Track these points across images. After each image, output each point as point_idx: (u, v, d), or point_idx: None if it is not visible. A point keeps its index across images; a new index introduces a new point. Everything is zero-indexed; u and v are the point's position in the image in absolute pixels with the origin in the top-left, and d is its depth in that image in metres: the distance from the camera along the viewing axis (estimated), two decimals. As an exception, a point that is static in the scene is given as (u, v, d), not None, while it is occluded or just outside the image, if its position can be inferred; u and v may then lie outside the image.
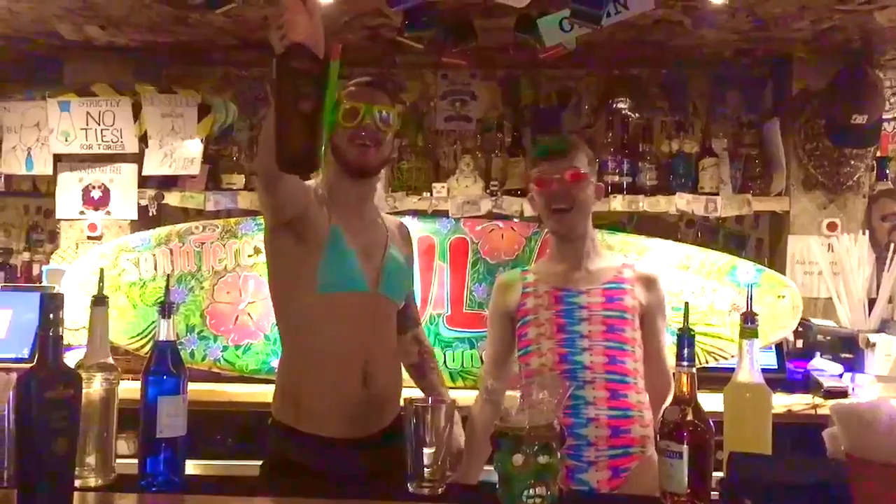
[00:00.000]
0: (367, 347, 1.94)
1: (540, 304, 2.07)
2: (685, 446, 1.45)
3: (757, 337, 1.58)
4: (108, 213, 3.52)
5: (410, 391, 2.06)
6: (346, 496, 1.49)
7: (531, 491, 1.42)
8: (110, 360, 1.62)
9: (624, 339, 2.01)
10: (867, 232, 3.36)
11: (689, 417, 1.47)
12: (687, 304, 1.66)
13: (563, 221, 2.07)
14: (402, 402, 1.98)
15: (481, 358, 3.19)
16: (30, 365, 1.34)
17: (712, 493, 1.45)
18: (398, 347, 2.14)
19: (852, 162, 3.40)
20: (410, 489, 1.57)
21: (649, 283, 2.11)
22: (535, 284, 2.11)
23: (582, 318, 2.02)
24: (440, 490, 1.57)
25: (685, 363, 1.51)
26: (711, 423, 1.50)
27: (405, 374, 2.14)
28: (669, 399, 1.57)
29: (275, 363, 3.17)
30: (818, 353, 3.16)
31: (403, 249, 2.13)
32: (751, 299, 1.64)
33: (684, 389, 1.50)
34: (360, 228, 2.00)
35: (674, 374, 1.54)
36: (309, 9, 1.44)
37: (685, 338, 1.52)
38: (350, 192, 2.01)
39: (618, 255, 2.22)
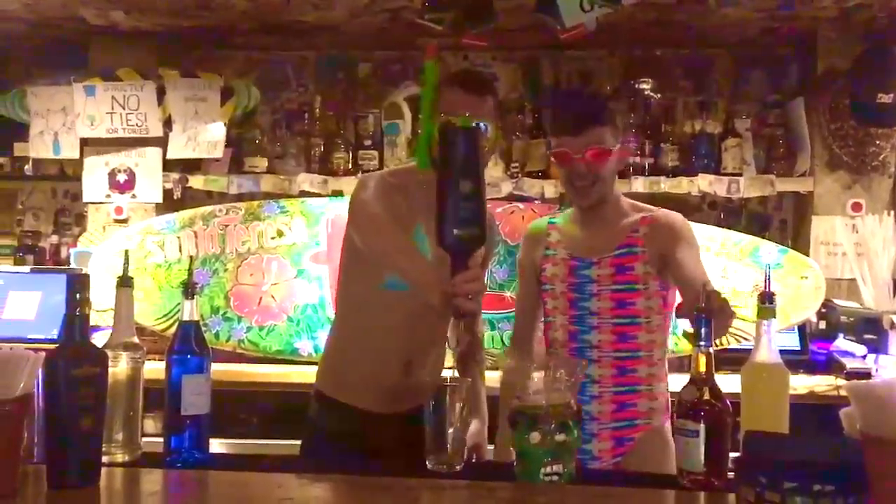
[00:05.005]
0: (413, 343, 2.00)
1: (556, 273, 2.08)
2: (701, 425, 1.46)
3: (774, 317, 1.57)
4: (134, 196, 3.57)
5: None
6: (365, 473, 1.51)
7: (548, 468, 1.44)
8: (136, 340, 1.65)
9: (635, 313, 2.00)
10: (892, 213, 3.32)
11: (706, 397, 1.48)
12: (704, 283, 1.66)
13: (585, 196, 2.04)
14: None
15: (502, 339, 3.20)
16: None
17: (729, 472, 1.46)
18: (449, 330, 2.17)
19: (878, 142, 3.35)
20: (429, 466, 1.60)
21: (662, 228, 2.02)
22: (556, 247, 2.11)
23: (592, 293, 2.02)
24: (458, 467, 1.59)
25: (702, 343, 1.51)
26: (728, 403, 1.50)
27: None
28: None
29: (298, 344, 3.22)
30: (841, 335, 3.14)
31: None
32: (769, 279, 1.63)
33: (701, 369, 1.51)
34: None
35: (691, 354, 1.54)
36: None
37: (703, 317, 1.52)
38: None
39: (644, 208, 2.11)
